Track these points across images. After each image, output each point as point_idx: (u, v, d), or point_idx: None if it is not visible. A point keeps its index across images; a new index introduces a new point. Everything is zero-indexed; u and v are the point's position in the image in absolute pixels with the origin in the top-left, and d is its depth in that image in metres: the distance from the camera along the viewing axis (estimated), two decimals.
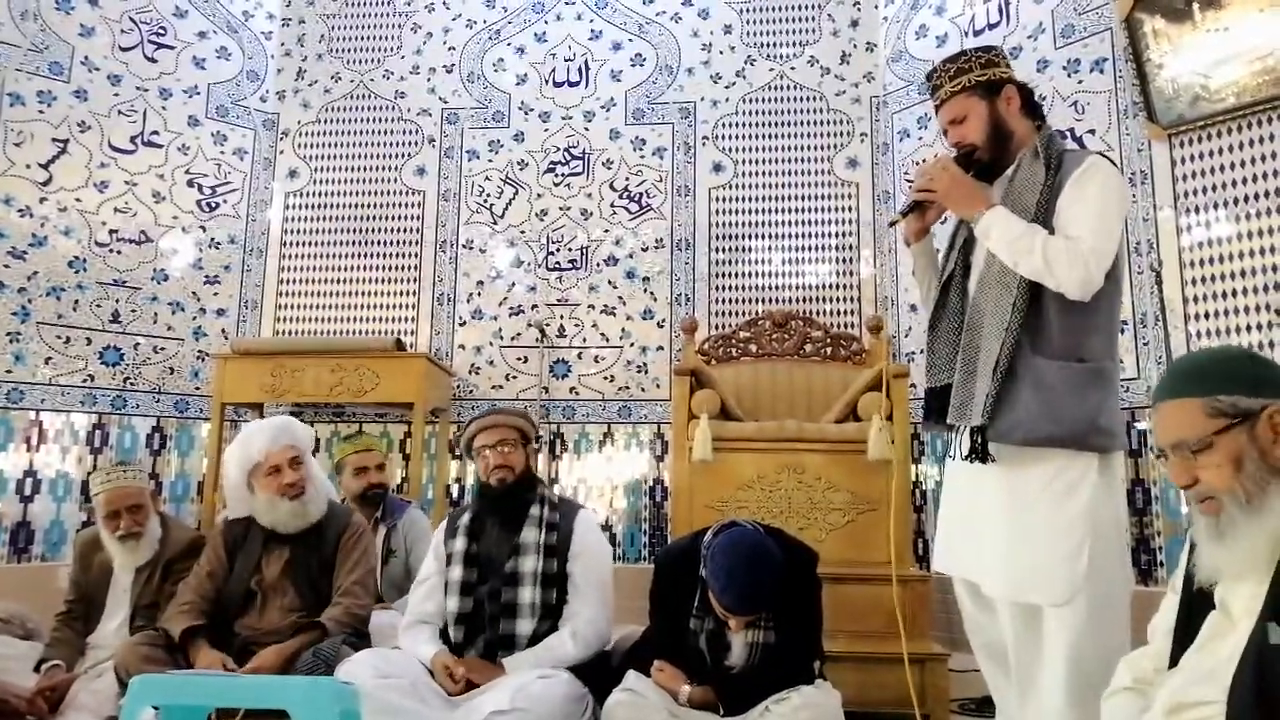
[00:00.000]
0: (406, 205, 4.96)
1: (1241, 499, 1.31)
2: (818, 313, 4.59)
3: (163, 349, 4.60)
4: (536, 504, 2.62)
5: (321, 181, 5.02)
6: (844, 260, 4.70)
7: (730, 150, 4.86)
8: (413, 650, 2.48)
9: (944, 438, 2.23)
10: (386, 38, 5.17)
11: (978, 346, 2.03)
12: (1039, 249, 1.90)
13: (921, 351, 2.75)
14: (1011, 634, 2.00)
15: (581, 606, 2.53)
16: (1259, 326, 3.35)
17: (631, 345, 4.71)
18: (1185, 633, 1.45)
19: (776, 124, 4.86)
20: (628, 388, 4.66)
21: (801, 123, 4.85)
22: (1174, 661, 1.45)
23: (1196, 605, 1.43)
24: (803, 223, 4.75)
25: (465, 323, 4.82)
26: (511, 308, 4.81)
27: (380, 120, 5.07)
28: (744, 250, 4.76)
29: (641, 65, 5.00)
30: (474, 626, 2.50)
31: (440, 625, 2.57)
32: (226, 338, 4.74)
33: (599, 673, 2.47)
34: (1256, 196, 3.39)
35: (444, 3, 5.16)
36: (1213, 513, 1.35)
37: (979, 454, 1.97)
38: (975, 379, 2.01)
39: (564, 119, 4.97)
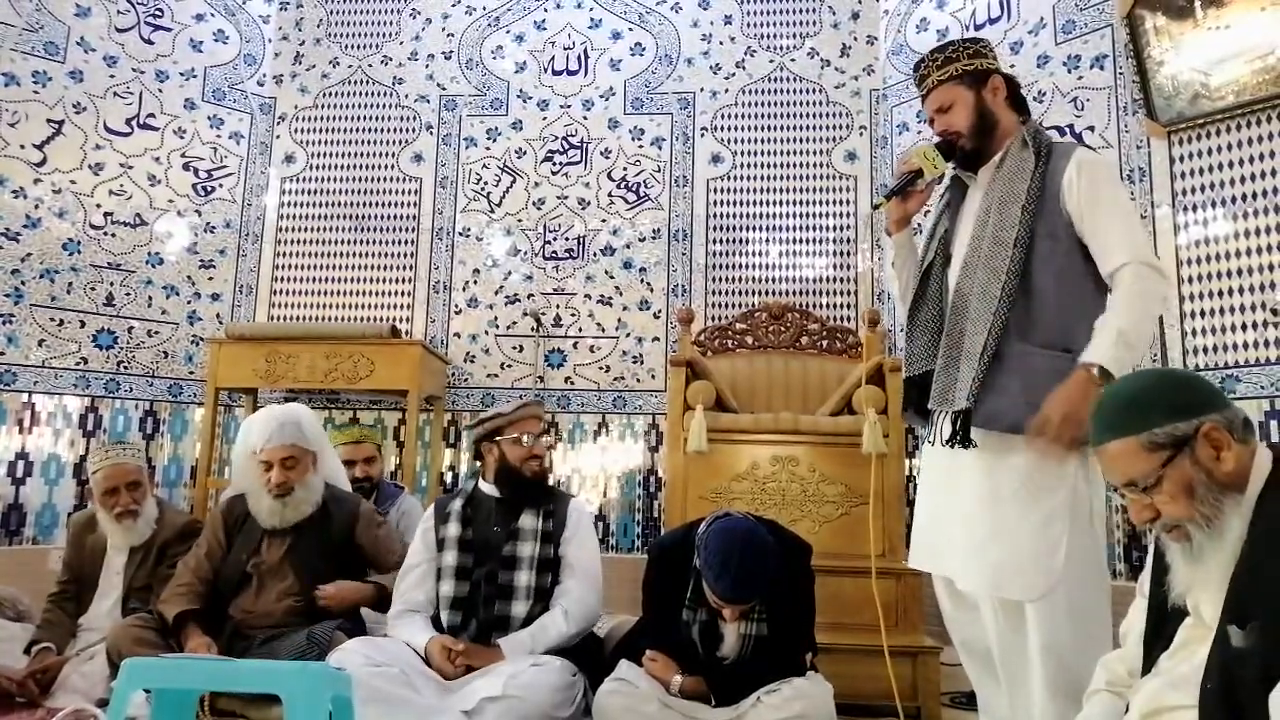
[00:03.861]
0: (403, 192, 4.94)
1: (1202, 524, 1.35)
2: (814, 305, 4.59)
3: (157, 333, 4.58)
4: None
5: (318, 167, 4.99)
6: (841, 253, 4.69)
7: (729, 141, 4.84)
8: (406, 637, 2.48)
9: (924, 427, 2.21)
10: (385, 23, 5.14)
11: (962, 331, 2.01)
12: (1139, 312, 1.90)
13: None
14: (994, 631, 2.00)
15: (573, 585, 2.57)
16: (1255, 325, 3.36)
17: (627, 335, 4.70)
18: (1155, 638, 1.48)
19: (776, 116, 4.85)
20: (623, 378, 4.66)
21: (801, 115, 4.84)
22: (1147, 667, 1.47)
23: (1166, 612, 1.46)
24: (801, 215, 4.74)
25: (461, 311, 4.81)
26: (508, 296, 4.80)
27: (378, 106, 5.04)
28: (741, 242, 4.75)
29: (641, 55, 4.98)
30: (469, 609, 2.52)
31: (430, 613, 2.57)
32: (221, 322, 4.72)
33: (592, 661, 2.48)
34: (1255, 195, 3.40)
35: None
36: (1182, 539, 1.38)
37: (960, 439, 1.96)
38: (959, 364, 2.00)
39: (563, 107, 4.96)
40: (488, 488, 2.70)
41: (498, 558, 2.55)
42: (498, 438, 2.67)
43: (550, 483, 2.78)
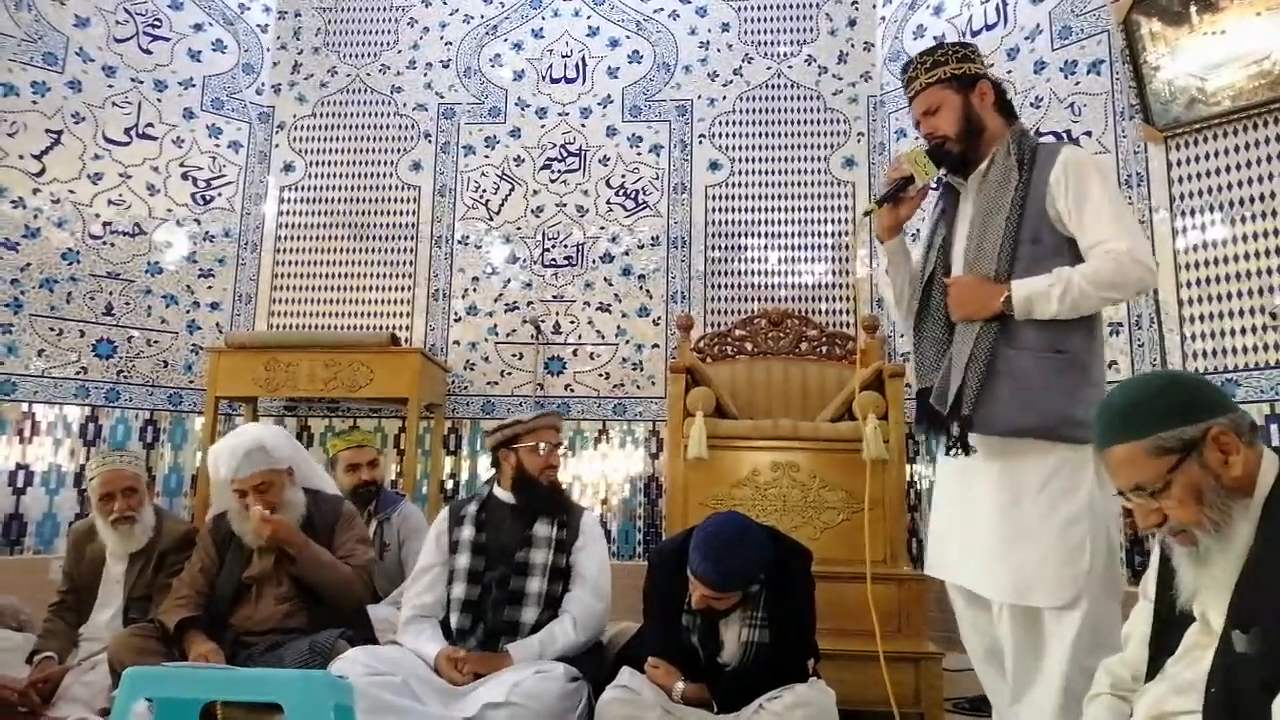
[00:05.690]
0: (402, 200, 4.95)
1: (1210, 529, 1.32)
2: (813, 311, 4.60)
3: (156, 342, 4.58)
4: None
5: (317, 175, 5.00)
6: (840, 259, 4.70)
7: (727, 148, 4.85)
8: (415, 647, 2.48)
9: (936, 440, 2.19)
10: (383, 32, 5.15)
11: (959, 339, 2.02)
12: (1090, 288, 1.88)
13: None
14: (1010, 637, 1.98)
15: (581, 594, 2.57)
16: (1253, 329, 3.37)
17: (627, 343, 4.71)
18: (1161, 643, 1.45)
19: (773, 122, 4.86)
20: (623, 385, 4.66)
21: (798, 121, 4.85)
22: (1153, 672, 1.45)
23: (1173, 617, 1.44)
24: (799, 221, 4.75)
25: (460, 319, 4.81)
26: (507, 304, 4.80)
27: (376, 115, 5.05)
28: (740, 248, 4.76)
29: (639, 62, 4.99)
30: (478, 613, 2.53)
31: (440, 617, 2.58)
32: (220, 331, 4.72)
33: (595, 668, 2.48)
34: (1252, 200, 3.41)
35: None
36: (1189, 544, 1.35)
37: (960, 447, 1.96)
38: (952, 371, 2.00)
39: (561, 115, 4.97)
40: (503, 494, 2.70)
41: (510, 563, 2.56)
42: (515, 445, 2.66)
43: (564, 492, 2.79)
